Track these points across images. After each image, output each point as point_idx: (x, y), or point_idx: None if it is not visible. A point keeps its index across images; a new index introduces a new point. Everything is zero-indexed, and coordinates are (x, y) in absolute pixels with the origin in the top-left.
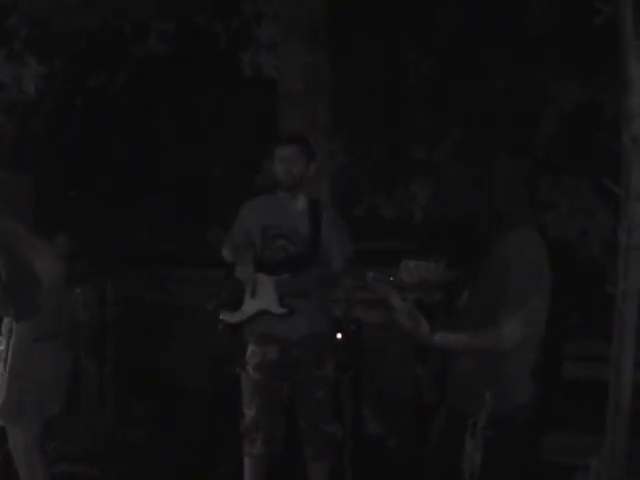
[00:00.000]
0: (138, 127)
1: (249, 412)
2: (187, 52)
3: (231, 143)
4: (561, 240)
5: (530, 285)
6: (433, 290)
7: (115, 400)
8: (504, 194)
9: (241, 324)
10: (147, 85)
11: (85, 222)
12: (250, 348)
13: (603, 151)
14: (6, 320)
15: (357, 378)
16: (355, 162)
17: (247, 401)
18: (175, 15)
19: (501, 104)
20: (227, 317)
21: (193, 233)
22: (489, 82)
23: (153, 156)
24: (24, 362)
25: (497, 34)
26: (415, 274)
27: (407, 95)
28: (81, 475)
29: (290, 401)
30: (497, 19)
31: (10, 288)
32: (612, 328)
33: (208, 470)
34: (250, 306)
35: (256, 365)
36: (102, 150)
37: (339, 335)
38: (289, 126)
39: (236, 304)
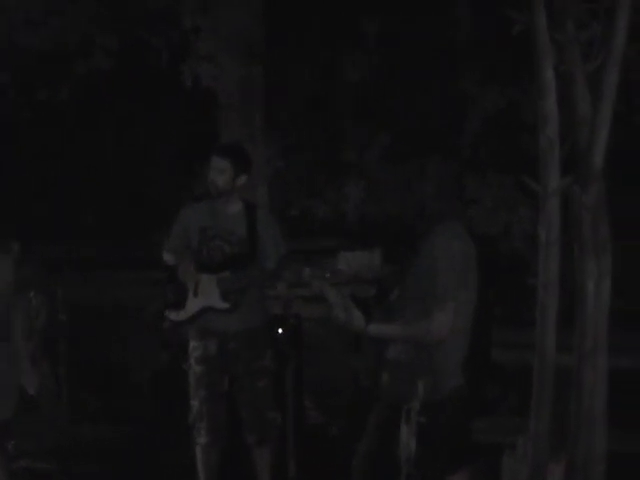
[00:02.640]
0: (83, 138)
1: (194, 403)
2: (130, 67)
3: (173, 152)
4: (486, 235)
5: (456, 278)
6: (368, 284)
7: (70, 398)
8: (433, 193)
9: (186, 322)
10: (91, 100)
11: (34, 227)
12: (192, 343)
13: (524, 151)
14: None
15: (299, 370)
16: (289, 165)
17: (192, 393)
18: (117, 30)
19: (429, 109)
20: (172, 316)
21: (141, 239)
22: (418, 90)
23: (99, 167)
24: None
25: (423, 44)
26: (353, 264)
27: (338, 103)
28: (40, 471)
29: (232, 391)
30: (423, 30)
31: None
32: (534, 316)
33: (163, 462)
34: (194, 304)
35: (198, 358)
36: (49, 159)
37: (280, 330)
38: (228, 134)
39: (180, 303)
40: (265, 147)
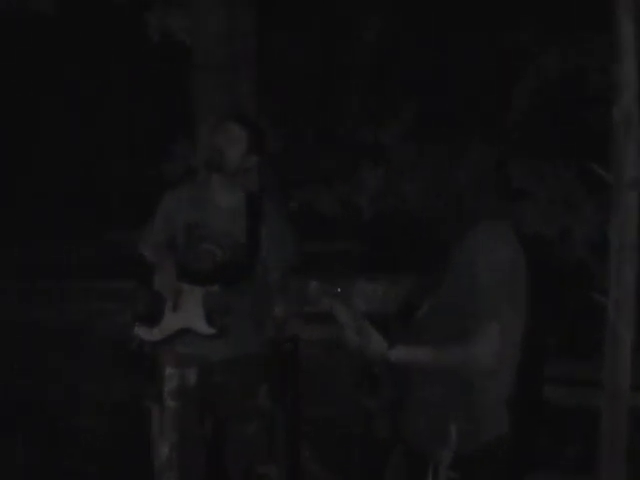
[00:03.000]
0: (14, 108)
1: (162, 449)
2: (78, 13)
3: (134, 127)
4: (538, 238)
5: (502, 292)
6: (385, 300)
7: None
8: (469, 183)
9: (159, 343)
10: (27, 55)
11: None
12: (167, 370)
13: (590, 130)
14: None
15: (295, 410)
16: (287, 146)
17: (161, 435)
18: None
19: (463, 75)
20: (143, 334)
21: (86, 239)
22: (449, 49)
23: (34, 145)
24: None
25: None
26: (372, 300)
27: (349, 65)
28: None
29: (214, 437)
30: None
31: None
32: (603, 346)
33: None
34: (171, 322)
35: (172, 391)
36: None
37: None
38: (205, 104)
39: (154, 318)
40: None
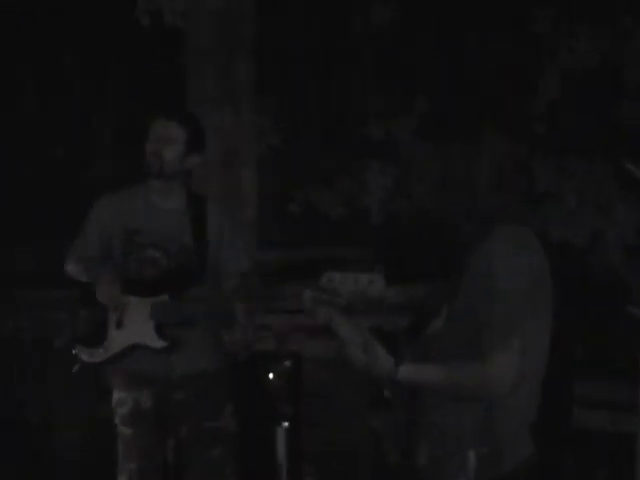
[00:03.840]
0: None
1: (120, 478)
2: None
3: (117, 118)
4: (567, 244)
5: (524, 304)
6: (395, 313)
7: None
8: (488, 183)
9: (104, 363)
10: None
11: None
12: (116, 394)
13: (624, 125)
14: None
15: (296, 433)
16: (288, 141)
17: (119, 465)
18: None
19: (484, 62)
20: (85, 356)
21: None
22: (470, 35)
23: (13, 136)
24: None
25: None
26: (342, 290)
27: (356, 52)
28: None
29: (177, 463)
30: None
31: None
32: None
33: None
34: (117, 339)
35: (125, 417)
36: None
37: (271, 375)
38: (199, 93)
39: (96, 338)
40: (253, 114)
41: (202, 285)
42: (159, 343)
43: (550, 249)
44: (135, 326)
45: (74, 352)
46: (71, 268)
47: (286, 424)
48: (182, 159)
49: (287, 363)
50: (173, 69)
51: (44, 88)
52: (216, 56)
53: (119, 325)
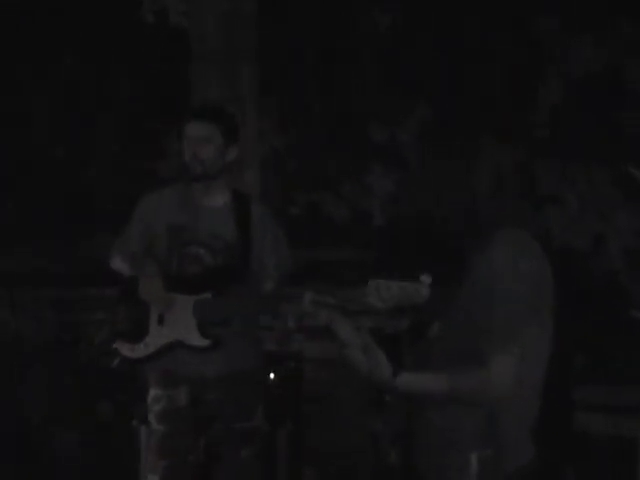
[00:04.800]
0: None
1: (152, 477)
2: None
3: (124, 119)
4: (569, 248)
5: (524, 309)
6: (396, 316)
7: None
8: (488, 187)
9: (145, 360)
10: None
11: None
12: (152, 391)
13: (626, 130)
14: None
15: (297, 433)
16: (291, 144)
17: (149, 462)
18: None
19: (486, 68)
20: (126, 351)
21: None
22: (473, 40)
23: (12, 140)
24: None
25: None
26: (387, 297)
27: (359, 56)
28: None
29: (207, 462)
30: None
31: None
32: None
33: None
34: (158, 336)
35: (160, 414)
36: None
37: (272, 375)
38: (204, 95)
39: (137, 333)
40: (257, 116)
41: (244, 284)
42: (202, 342)
43: (552, 253)
44: (177, 323)
45: (116, 347)
46: (116, 263)
47: (287, 425)
48: (222, 155)
49: (289, 363)
50: (177, 71)
51: (46, 87)
52: (220, 58)
53: (161, 322)
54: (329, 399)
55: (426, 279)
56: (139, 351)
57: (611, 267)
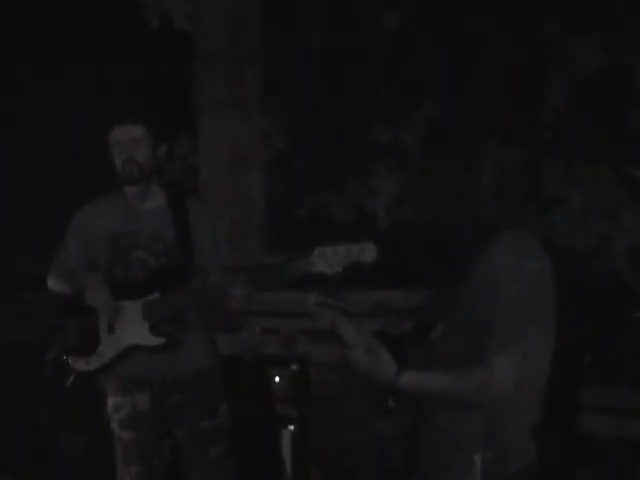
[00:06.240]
0: None
1: None
2: None
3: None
4: (573, 249)
5: (526, 310)
6: (400, 317)
7: None
8: (491, 189)
9: (101, 370)
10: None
11: None
12: (112, 400)
13: (630, 131)
14: None
15: (302, 436)
16: (295, 145)
17: (119, 471)
18: None
19: (491, 69)
20: (80, 366)
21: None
22: (479, 41)
23: (15, 143)
24: None
25: None
26: (335, 263)
27: (364, 57)
28: None
29: (175, 464)
30: None
31: None
32: None
33: None
34: (111, 345)
35: (123, 421)
36: None
37: (277, 378)
38: (208, 97)
39: (89, 346)
40: (261, 118)
41: (190, 280)
42: (155, 341)
43: (556, 254)
44: (128, 328)
45: (68, 362)
46: (53, 283)
47: (292, 427)
48: (154, 154)
49: (293, 366)
50: (181, 73)
51: (49, 90)
52: (224, 60)
53: (111, 330)
54: (335, 401)
55: (368, 241)
56: (94, 362)
57: (616, 268)
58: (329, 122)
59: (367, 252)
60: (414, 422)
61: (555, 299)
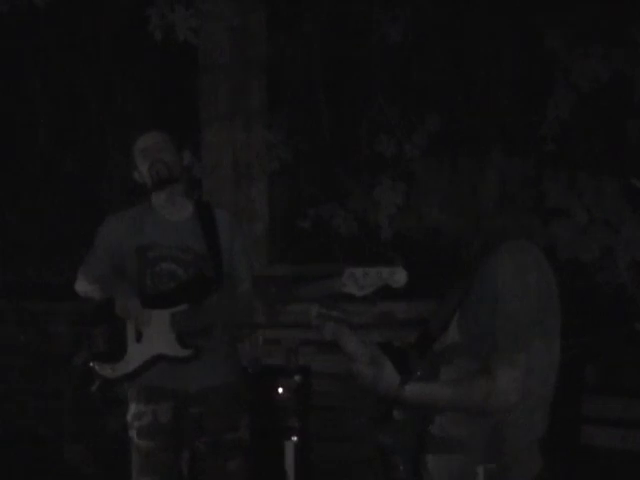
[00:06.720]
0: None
1: None
2: (74, 7)
3: (134, 131)
4: (575, 261)
5: (530, 321)
6: (403, 328)
7: None
8: (497, 201)
9: (126, 378)
10: (17, 51)
11: None
12: (133, 407)
13: (633, 143)
14: None
15: (304, 447)
16: (299, 157)
17: (135, 477)
18: None
19: (495, 80)
20: (106, 372)
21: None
22: (482, 54)
23: (24, 151)
24: None
25: None
26: (365, 285)
27: (367, 69)
28: None
29: (191, 477)
30: None
31: None
32: None
33: None
34: (138, 353)
35: (143, 430)
36: None
37: (280, 390)
38: (212, 109)
39: (116, 353)
40: (265, 130)
41: (219, 291)
42: (182, 352)
43: (559, 266)
44: (156, 338)
45: (94, 368)
46: (82, 287)
47: (295, 438)
48: (178, 159)
49: (296, 377)
50: (186, 85)
51: (56, 101)
52: (228, 72)
53: (139, 339)
54: (338, 412)
55: (399, 262)
56: (120, 370)
57: (619, 280)
58: (332, 134)
59: (397, 276)
60: (418, 434)
61: (559, 310)
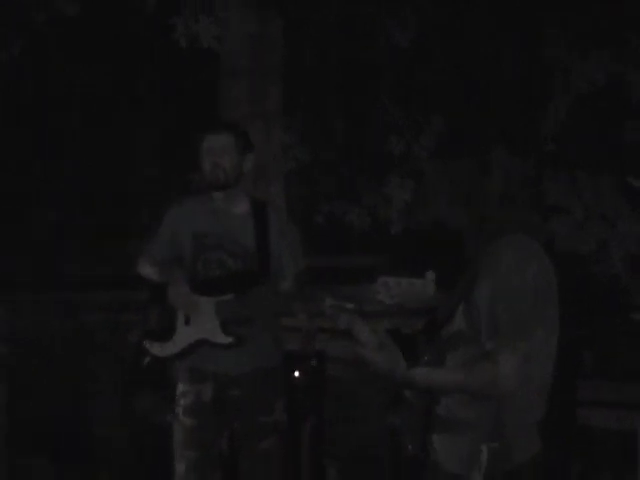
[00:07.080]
0: (38, 113)
1: (179, 467)
2: (104, 16)
3: (160, 133)
4: (573, 254)
5: (530, 310)
6: (412, 317)
7: (10, 462)
8: (500, 197)
9: (173, 358)
10: (51, 58)
11: None
12: (180, 386)
13: (629, 143)
14: None
15: (319, 428)
16: (315, 156)
17: (177, 453)
18: None
19: (497, 82)
20: (156, 350)
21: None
22: (486, 58)
23: (56, 152)
24: None
25: None
26: (396, 294)
27: (378, 74)
28: None
29: (230, 454)
30: None
31: None
32: None
33: None
34: (185, 335)
35: (187, 408)
36: None
37: (296, 373)
38: (232, 110)
39: (166, 333)
40: (282, 131)
41: (264, 285)
42: (225, 339)
43: (558, 259)
44: (202, 323)
45: (145, 346)
46: (144, 269)
47: (310, 420)
48: (239, 163)
49: (312, 362)
50: (207, 89)
51: (86, 104)
52: (248, 77)
53: (187, 322)
54: (351, 396)
55: (430, 275)
56: (167, 349)
57: (614, 271)
58: (346, 135)
59: (428, 288)
60: (426, 415)
61: (557, 300)
